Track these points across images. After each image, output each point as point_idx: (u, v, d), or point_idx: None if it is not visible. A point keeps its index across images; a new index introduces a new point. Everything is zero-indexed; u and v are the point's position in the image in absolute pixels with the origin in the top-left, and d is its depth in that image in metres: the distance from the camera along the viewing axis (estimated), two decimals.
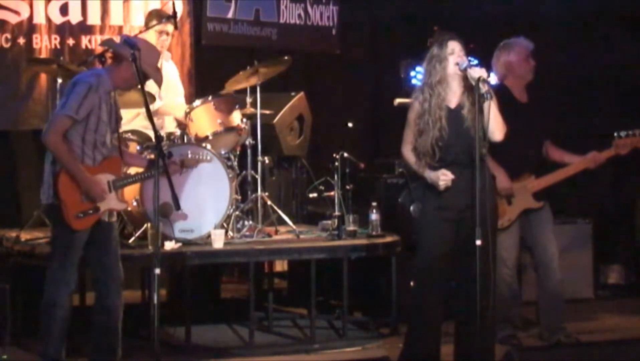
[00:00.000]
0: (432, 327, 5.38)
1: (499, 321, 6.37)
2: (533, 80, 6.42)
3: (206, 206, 6.44)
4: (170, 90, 7.19)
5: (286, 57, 7.22)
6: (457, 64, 5.25)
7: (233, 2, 8.45)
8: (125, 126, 6.73)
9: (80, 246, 5.20)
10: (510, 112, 6.08)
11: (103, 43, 5.99)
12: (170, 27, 7.00)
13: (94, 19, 7.91)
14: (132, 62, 5.14)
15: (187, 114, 6.74)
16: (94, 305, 5.41)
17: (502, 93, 6.23)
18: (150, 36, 7.03)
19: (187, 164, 5.84)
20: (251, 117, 7.03)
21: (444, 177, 5.23)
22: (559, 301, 6.37)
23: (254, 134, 7.07)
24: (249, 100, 7.08)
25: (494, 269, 5.22)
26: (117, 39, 7.51)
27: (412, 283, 5.55)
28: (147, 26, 6.97)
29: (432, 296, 5.35)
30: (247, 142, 7.05)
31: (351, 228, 6.82)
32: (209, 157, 6.23)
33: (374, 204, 6.85)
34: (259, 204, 6.98)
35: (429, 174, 5.30)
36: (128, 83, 5.34)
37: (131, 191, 6.36)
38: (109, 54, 5.46)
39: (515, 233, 6.35)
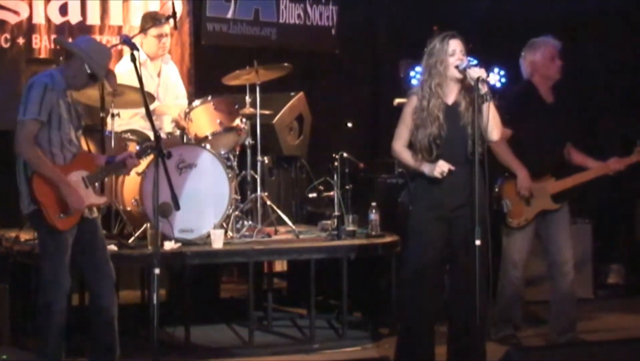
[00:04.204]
0: (424, 327, 5.36)
1: (499, 321, 6.37)
2: (560, 80, 6.35)
3: (206, 206, 6.44)
4: (169, 92, 7.19)
5: (286, 64, 7.22)
6: (457, 66, 5.25)
7: (232, 2, 8.46)
8: (123, 126, 6.74)
9: (69, 246, 5.17)
10: (535, 111, 6.12)
11: (55, 41, 5.96)
12: (167, 28, 7.00)
13: (93, 19, 7.92)
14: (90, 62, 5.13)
15: (186, 114, 6.74)
16: (88, 306, 5.41)
17: (528, 91, 6.24)
18: (151, 41, 7.03)
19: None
20: (251, 117, 7.03)
21: (441, 165, 5.18)
22: (570, 302, 6.33)
23: (253, 134, 7.07)
24: (248, 100, 7.08)
25: (489, 268, 5.20)
26: (116, 40, 7.55)
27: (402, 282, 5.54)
28: (143, 29, 6.97)
29: (423, 295, 5.33)
30: (246, 142, 7.05)
31: (350, 228, 6.81)
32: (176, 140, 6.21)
33: (374, 204, 6.85)
34: (259, 204, 6.98)
35: (428, 168, 5.25)
36: (75, 80, 5.27)
37: (130, 191, 6.37)
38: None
39: (530, 235, 6.32)
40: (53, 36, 7.76)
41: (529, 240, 6.35)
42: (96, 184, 5.37)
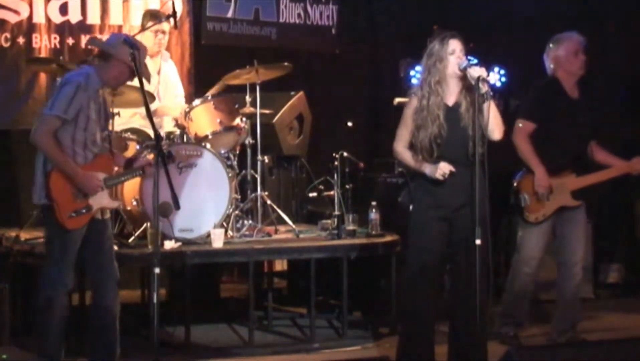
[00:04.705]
0: (424, 326, 5.36)
1: (502, 316, 6.36)
2: (584, 75, 6.30)
3: (206, 205, 6.44)
4: (169, 90, 7.20)
5: (286, 64, 7.22)
6: (457, 65, 5.25)
7: (232, 1, 8.44)
8: (123, 125, 6.73)
9: (76, 246, 5.18)
10: (559, 106, 6.12)
11: (90, 42, 6.00)
12: (166, 26, 7.00)
13: (93, 18, 7.91)
14: (131, 61, 5.14)
15: (186, 113, 6.74)
16: (90, 305, 5.41)
17: (552, 86, 6.21)
18: (147, 36, 7.03)
19: (178, 160, 5.85)
20: (251, 117, 7.03)
21: (443, 167, 5.19)
22: (575, 304, 6.32)
23: (253, 134, 7.07)
24: (248, 99, 7.08)
25: (489, 268, 5.20)
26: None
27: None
28: (143, 27, 6.97)
29: (424, 294, 5.33)
30: (246, 142, 7.05)
31: (351, 227, 6.82)
32: (198, 152, 6.24)
33: (374, 203, 6.85)
34: (259, 204, 6.98)
35: (429, 168, 5.25)
36: (117, 81, 5.34)
37: (131, 191, 6.37)
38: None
39: (546, 233, 6.27)
40: (53, 35, 7.77)
41: (545, 237, 6.28)
42: None
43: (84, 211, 5.16)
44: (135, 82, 5.34)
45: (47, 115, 5.11)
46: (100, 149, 5.30)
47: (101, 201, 5.24)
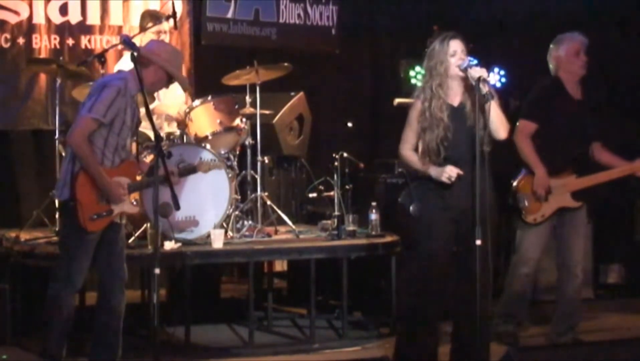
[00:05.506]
0: (430, 326, 5.37)
1: (501, 315, 6.35)
2: (586, 76, 6.29)
3: (206, 206, 6.44)
4: (169, 90, 7.17)
5: (286, 64, 7.23)
6: (458, 66, 5.24)
7: (232, 1, 8.46)
8: None
9: (92, 248, 5.19)
10: (561, 106, 6.12)
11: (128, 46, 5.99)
12: (166, 26, 7.00)
13: (93, 19, 7.92)
14: (166, 65, 5.21)
15: (186, 114, 6.74)
16: (97, 304, 5.40)
17: (554, 86, 6.22)
18: (148, 38, 7.01)
19: (199, 169, 5.88)
20: (251, 117, 7.03)
21: (449, 171, 5.19)
22: (575, 305, 6.31)
23: (253, 134, 7.08)
24: (248, 100, 7.09)
25: (491, 268, 5.19)
26: (116, 40, 7.55)
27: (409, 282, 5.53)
28: (142, 28, 6.97)
29: (431, 295, 5.33)
30: (246, 142, 7.05)
31: (351, 227, 6.82)
32: (219, 165, 6.26)
33: (374, 204, 6.85)
34: (259, 204, 6.99)
35: (435, 171, 5.25)
36: (154, 87, 5.36)
37: None
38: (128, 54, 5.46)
39: (545, 234, 6.26)
40: (53, 36, 7.77)
41: (544, 238, 6.27)
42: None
43: (105, 214, 5.17)
44: None
45: (84, 117, 5.11)
46: (128, 154, 5.31)
47: (122, 206, 5.25)
